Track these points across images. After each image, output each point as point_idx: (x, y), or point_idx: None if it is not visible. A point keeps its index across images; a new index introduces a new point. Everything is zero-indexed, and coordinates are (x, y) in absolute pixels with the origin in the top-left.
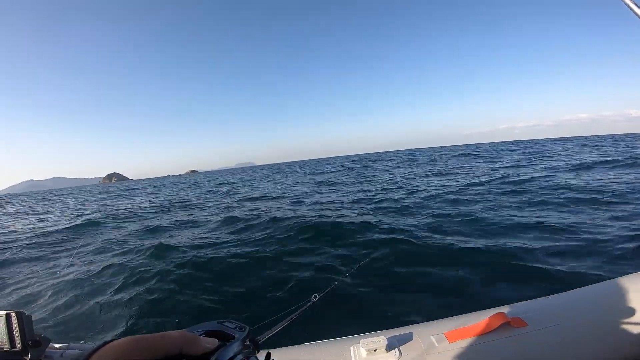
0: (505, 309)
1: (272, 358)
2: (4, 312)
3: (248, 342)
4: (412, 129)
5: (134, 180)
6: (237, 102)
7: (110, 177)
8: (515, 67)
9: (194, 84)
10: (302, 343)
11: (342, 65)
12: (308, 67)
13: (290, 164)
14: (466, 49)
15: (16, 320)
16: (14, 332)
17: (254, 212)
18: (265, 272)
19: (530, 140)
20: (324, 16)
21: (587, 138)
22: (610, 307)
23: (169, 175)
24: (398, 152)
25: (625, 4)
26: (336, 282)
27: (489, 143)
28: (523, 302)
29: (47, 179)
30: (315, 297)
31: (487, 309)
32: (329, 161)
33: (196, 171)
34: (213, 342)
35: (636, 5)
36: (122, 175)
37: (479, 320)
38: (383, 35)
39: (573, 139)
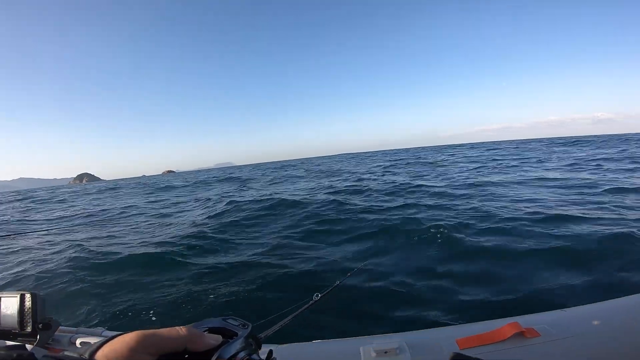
0: (519, 319)
1: (273, 355)
2: (18, 293)
3: (250, 340)
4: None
5: (108, 180)
6: (213, 100)
7: (81, 177)
8: (489, 71)
9: (169, 80)
10: (304, 341)
11: (323, 65)
12: (289, 66)
13: (281, 162)
14: (435, 51)
15: (30, 302)
16: (26, 314)
17: None
18: None
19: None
20: (318, 15)
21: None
22: (624, 323)
23: (144, 175)
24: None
25: None
26: (338, 282)
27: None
28: (539, 314)
29: (14, 179)
30: (317, 295)
31: (502, 318)
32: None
33: (173, 171)
34: (217, 338)
35: None
36: (93, 175)
37: (492, 328)
38: (369, 35)
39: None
